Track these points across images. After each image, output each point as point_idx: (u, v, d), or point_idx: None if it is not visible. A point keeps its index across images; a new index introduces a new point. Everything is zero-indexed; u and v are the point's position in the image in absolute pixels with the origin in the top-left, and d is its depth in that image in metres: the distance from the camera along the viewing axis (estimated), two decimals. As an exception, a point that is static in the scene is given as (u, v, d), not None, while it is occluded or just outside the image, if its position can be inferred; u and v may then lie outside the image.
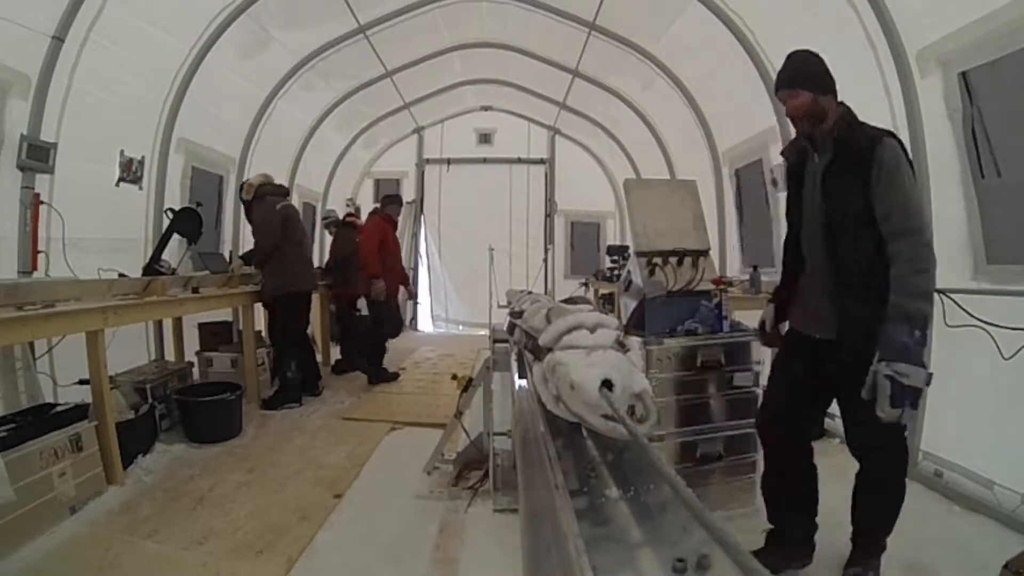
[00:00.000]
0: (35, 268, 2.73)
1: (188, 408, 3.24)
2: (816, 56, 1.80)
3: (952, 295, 2.50)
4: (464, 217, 8.90)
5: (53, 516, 2.18)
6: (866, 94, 3.01)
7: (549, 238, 9.28)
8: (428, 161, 8.68)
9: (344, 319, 6.08)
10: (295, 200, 6.28)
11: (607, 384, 0.71)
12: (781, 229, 4.21)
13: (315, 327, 6.24)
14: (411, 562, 2.27)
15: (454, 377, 3.63)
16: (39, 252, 2.76)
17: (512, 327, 1.24)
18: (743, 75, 4.02)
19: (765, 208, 4.40)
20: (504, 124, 8.54)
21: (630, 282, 3.31)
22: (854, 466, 3.03)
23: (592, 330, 0.85)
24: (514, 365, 1.73)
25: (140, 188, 3.62)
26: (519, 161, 8.65)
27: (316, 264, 6.40)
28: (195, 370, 4.09)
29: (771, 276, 4.31)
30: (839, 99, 1.79)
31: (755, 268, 4.19)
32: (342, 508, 2.64)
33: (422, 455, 3.25)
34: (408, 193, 8.82)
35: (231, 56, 4.07)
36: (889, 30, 2.72)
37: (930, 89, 2.58)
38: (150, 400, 3.06)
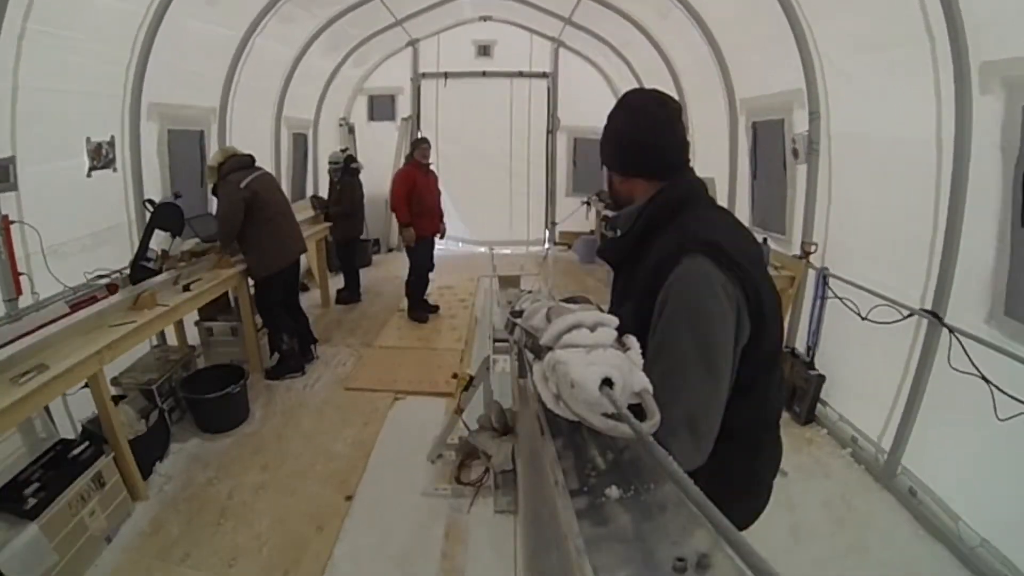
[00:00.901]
0: (19, 293, 2.59)
1: (196, 404, 3.32)
2: (630, 113, 1.25)
3: (961, 337, 2.43)
4: (463, 133, 8.42)
5: (92, 552, 2.31)
6: (912, 88, 2.67)
7: (551, 155, 8.86)
8: (424, 75, 7.94)
9: (347, 260, 6.27)
10: (283, 135, 5.88)
11: (607, 382, 0.71)
12: (797, 199, 4.00)
13: (312, 264, 6.20)
14: (421, 573, 2.49)
15: (454, 376, 3.69)
16: (20, 275, 2.62)
17: (512, 326, 1.30)
18: (773, 28, 3.51)
19: (781, 173, 4.10)
20: (504, 36, 7.69)
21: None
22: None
23: (592, 329, 0.84)
24: (513, 364, 1.71)
25: (114, 170, 3.32)
26: (520, 75, 7.93)
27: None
28: (196, 339, 4.12)
29: (783, 245, 4.17)
30: (672, 178, 1.24)
31: (764, 241, 4.02)
32: (354, 513, 2.79)
33: (425, 436, 3.39)
34: (404, 109, 8.22)
35: (195, 4, 3.50)
36: (953, 24, 2.32)
37: (987, 110, 2.24)
38: (159, 404, 3.10)
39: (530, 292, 3.05)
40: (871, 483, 2.96)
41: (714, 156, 5.14)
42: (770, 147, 4.26)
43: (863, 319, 3.12)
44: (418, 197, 5.27)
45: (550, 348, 0.85)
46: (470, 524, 2.79)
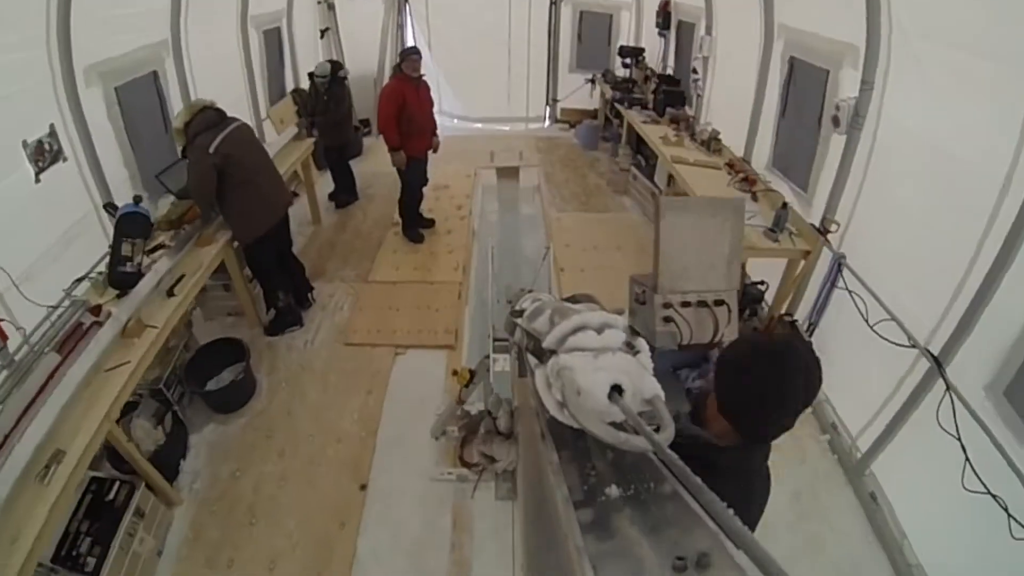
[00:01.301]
0: (5, 339, 2.50)
1: (206, 396, 3.44)
2: (779, 376, 1.12)
3: (955, 398, 2.42)
4: (456, 5, 7.28)
5: (150, 571, 2.60)
6: (993, 108, 2.25)
7: (554, 28, 7.75)
8: (410, -62, 6.53)
9: (337, 164, 6.07)
10: (252, 38, 5.06)
11: (617, 389, 0.68)
12: (827, 165, 3.62)
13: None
14: (434, 567, 2.80)
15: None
16: (0, 321, 2.49)
17: (512, 327, 1.26)
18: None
19: (815, 127, 3.63)
20: None
21: (643, 303, 3.10)
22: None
23: (599, 331, 0.79)
24: (513, 363, 1.63)
25: (64, 159, 2.92)
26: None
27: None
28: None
29: (802, 204, 3.85)
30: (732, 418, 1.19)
31: (784, 206, 3.74)
32: (369, 505, 3.05)
33: (427, 403, 3.57)
34: (388, -21, 6.96)
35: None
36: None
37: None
38: (172, 405, 3.19)
39: (530, 291, 2.89)
40: (840, 477, 3.20)
41: (740, 76, 4.50)
42: (807, 94, 3.71)
43: (870, 327, 3.05)
44: (408, 116, 4.76)
45: (553, 352, 0.80)
46: (474, 511, 3.10)
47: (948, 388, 2.47)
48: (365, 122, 7.77)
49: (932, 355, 2.58)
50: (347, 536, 2.91)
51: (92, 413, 2.35)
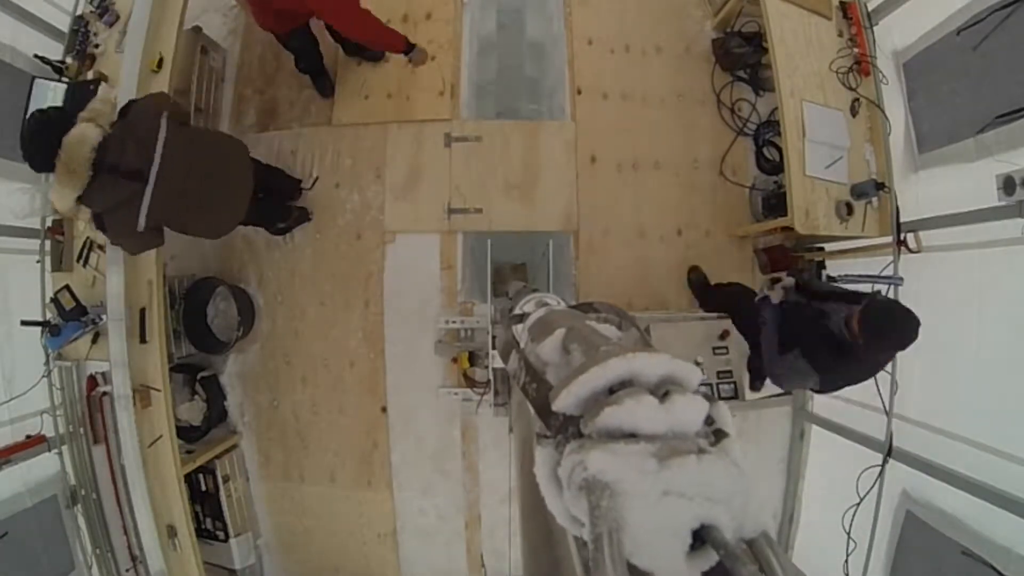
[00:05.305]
0: (45, 440, 3.13)
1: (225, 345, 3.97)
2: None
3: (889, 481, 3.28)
4: None
5: (250, 496, 4.09)
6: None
7: None
8: None
9: None
10: None
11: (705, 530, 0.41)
12: (972, 170, 2.84)
13: None
14: (451, 469, 4.26)
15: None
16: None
17: (508, 346, 0.91)
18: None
19: (984, 111, 2.72)
20: None
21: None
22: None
23: (659, 395, 0.48)
24: (514, 391, 1.27)
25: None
26: None
27: None
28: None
29: (905, 162, 3.32)
30: None
31: (881, 187, 3.29)
32: (392, 425, 4.20)
33: (427, 308, 4.28)
34: None
35: None
36: None
37: None
38: (197, 375, 3.89)
39: (535, 290, 2.69)
40: (788, 408, 4.15)
41: None
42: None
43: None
44: None
45: (573, 424, 0.50)
46: (479, 424, 4.35)
47: (881, 472, 3.35)
48: None
49: (889, 445, 3.30)
50: (381, 454, 4.24)
51: (169, 490, 3.20)
